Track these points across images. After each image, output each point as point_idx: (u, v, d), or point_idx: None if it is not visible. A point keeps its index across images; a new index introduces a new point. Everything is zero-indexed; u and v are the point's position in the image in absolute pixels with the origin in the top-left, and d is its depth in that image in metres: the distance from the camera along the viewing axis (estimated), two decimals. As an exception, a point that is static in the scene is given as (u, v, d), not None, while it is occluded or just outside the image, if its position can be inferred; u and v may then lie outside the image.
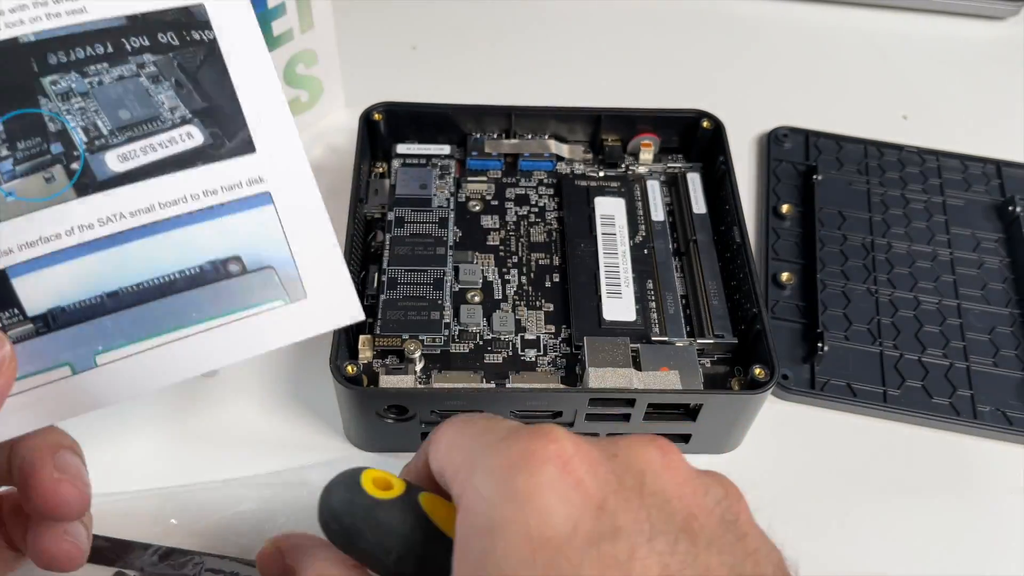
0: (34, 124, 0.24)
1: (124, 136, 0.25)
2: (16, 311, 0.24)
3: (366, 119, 0.44)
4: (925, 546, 0.37)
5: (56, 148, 0.24)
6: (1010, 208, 0.47)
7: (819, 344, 0.41)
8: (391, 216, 0.42)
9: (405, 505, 0.24)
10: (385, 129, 0.45)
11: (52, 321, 0.24)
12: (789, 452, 0.40)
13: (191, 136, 0.25)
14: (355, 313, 0.27)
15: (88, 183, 0.24)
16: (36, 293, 0.24)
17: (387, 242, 0.41)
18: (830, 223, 0.47)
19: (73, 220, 0.24)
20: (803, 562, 0.36)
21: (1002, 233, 0.47)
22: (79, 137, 0.25)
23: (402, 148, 0.45)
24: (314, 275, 0.26)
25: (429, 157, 0.45)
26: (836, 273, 0.45)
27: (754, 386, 0.36)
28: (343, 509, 0.23)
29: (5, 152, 0.24)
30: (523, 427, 0.22)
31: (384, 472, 0.25)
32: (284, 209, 0.26)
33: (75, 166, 0.24)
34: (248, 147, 0.26)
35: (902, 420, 0.41)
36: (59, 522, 0.25)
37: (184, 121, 0.25)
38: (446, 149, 0.45)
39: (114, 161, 0.25)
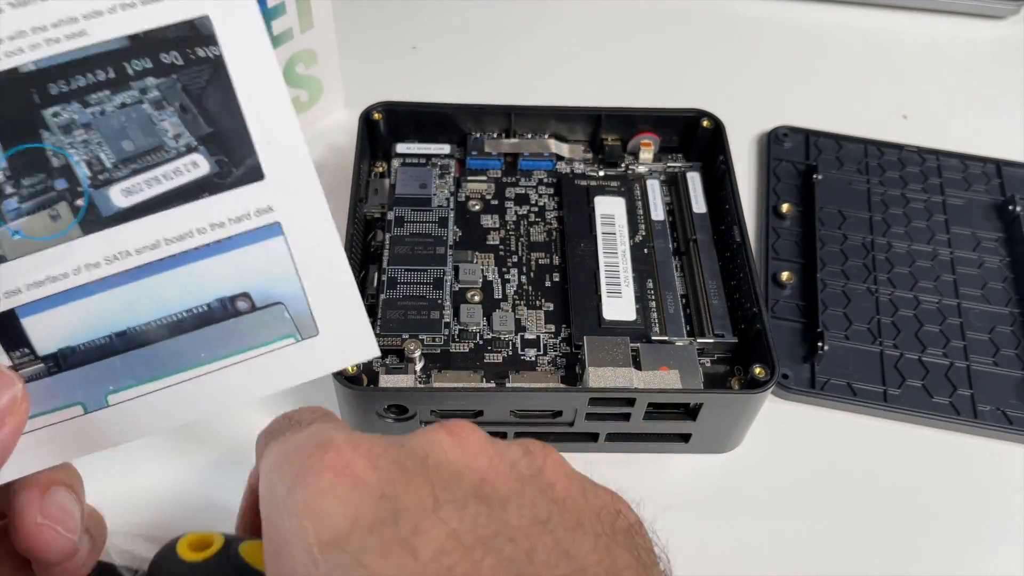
0: (37, 159, 0.23)
1: (128, 169, 0.24)
2: (27, 351, 0.24)
3: (366, 119, 0.44)
4: (925, 546, 0.37)
5: (60, 184, 0.23)
6: (1010, 207, 0.47)
7: (819, 343, 0.41)
8: (391, 216, 0.42)
9: (221, 561, 0.24)
10: (385, 129, 0.45)
11: (63, 361, 0.24)
12: (789, 452, 0.40)
13: (196, 165, 0.24)
14: (370, 350, 0.26)
15: (94, 220, 0.24)
16: (46, 333, 0.24)
17: (387, 242, 0.41)
18: (830, 222, 0.47)
19: (80, 259, 0.24)
20: (803, 562, 0.36)
21: (1002, 232, 0.47)
22: (83, 172, 0.23)
23: (402, 148, 0.45)
24: (327, 310, 0.25)
25: (429, 157, 0.45)
26: (836, 272, 0.45)
27: (754, 385, 0.36)
28: None
29: (10, 190, 0.23)
30: (308, 441, 0.21)
31: (204, 533, 0.25)
32: (295, 240, 0.25)
33: (80, 203, 0.24)
34: (256, 174, 0.24)
35: (902, 420, 0.41)
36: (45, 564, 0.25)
37: (189, 149, 0.24)
38: (446, 149, 0.45)
39: (119, 196, 0.24)
